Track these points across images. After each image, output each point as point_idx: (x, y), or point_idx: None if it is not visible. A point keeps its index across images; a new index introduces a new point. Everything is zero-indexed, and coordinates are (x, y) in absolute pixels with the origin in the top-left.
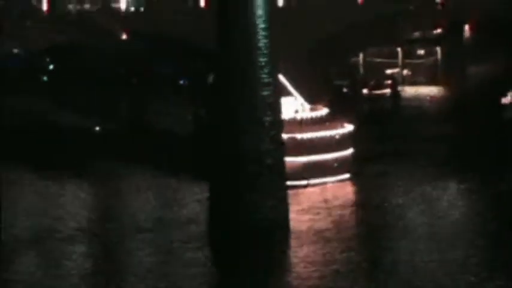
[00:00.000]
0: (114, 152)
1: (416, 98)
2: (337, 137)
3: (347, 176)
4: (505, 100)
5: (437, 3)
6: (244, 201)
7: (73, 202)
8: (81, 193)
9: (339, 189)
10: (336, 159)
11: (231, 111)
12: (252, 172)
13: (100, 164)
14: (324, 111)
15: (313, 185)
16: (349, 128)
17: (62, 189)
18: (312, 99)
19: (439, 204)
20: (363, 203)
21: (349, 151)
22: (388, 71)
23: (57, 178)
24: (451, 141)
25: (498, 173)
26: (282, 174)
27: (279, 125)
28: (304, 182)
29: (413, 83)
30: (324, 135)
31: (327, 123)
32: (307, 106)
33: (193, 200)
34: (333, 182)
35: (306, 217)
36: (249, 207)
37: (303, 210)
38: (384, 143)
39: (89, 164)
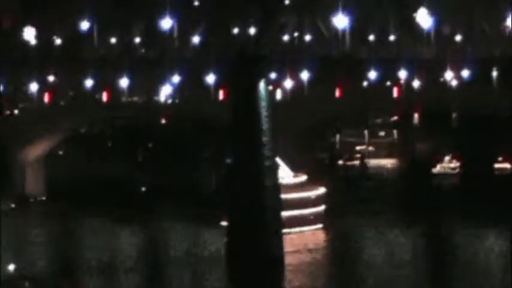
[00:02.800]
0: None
1: (379, 168)
2: (313, 197)
3: (320, 226)
4: (434, 170)
5: (394, 97)
6: (258, 241)
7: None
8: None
9: (313, 236)
10: (312, 214)
11: (245, 177)
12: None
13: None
14: (303, 177)
15: (295, 233)
16: (322, 190)
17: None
18: (297, 168)
19: (390, 245)
20: (333, 246)
21: (322, 207)
22: (358, 148)
23: None
24: (400, 200)
25: (437, 224)
26: (280, 222)
27: (277, 187)
28: (287, 230)
29: (377, 156)
30: (302, 195)
31: (305, 187)
32: (291, 173)
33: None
34: (309, 231)
35: (293, 255)
36: (264, 245)
37: (289, 250)
38: (351, 202)
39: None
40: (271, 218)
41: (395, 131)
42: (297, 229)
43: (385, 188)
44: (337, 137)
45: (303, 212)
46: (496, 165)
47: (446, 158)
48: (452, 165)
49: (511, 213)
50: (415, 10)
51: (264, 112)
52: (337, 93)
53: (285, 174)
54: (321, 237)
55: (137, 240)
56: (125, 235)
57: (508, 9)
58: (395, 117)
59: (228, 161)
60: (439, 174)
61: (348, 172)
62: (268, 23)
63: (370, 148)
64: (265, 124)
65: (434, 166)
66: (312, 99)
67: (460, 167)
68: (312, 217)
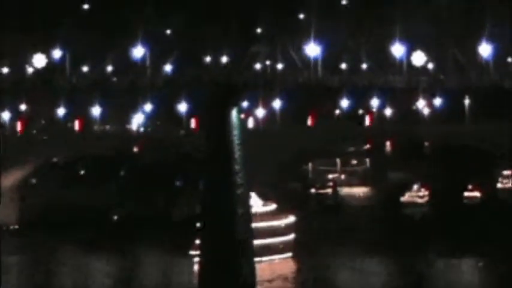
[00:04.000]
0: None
1: (351, 196)
2: (282, 225)
3: (290, 255)
4: (403, 198)
5: (365, 125)
6: (230, 269)
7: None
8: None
9: (283, 265)
10: (281, 242)
11: (217, 205)
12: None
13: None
14: (272, 206)
15: (264, 262)
16: (291, 218)
17: None
18: (266, 197)
19: (360, 273)
20: (304, 275)
21: (292, 236)
22: (330, 176)
23: None
24: (370, 229)
25: (405, 251)
26: (252, 250)
27: (249, 215)
28: (257, 259)
29: (349, 185)
30: (272, 224)
31: (275, 215)
32: (260, 202)
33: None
34: (279, 260)
35: (264, 284)
36: (236, 274)
37: (260, 279)
38: (322, 230)
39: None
40: (243, 246)
41: (367, 160)
42: (267, 258)
43: (355, 218)
44: (310, 165)
45: (273, 241)
46: (466, 194)
47: (415, 187)
48: (420, 193)
49: (482, 242)
50: (388, 39)
51: (236, 140)
52: (309, 122)
53: (254, 203)
54: (291, 266)
55: (107, 270)
56: (94, 264)
57: (481, 38)
58: (368, 146)
59: (201, 189)
60: (407, 203)
61: (320, 201)
62: (240, 52)
63: (343, 176)
64: (237, 152)
65: (403, 195)
66: (284, 128)
67: (429, 195)
68: (281, 246)
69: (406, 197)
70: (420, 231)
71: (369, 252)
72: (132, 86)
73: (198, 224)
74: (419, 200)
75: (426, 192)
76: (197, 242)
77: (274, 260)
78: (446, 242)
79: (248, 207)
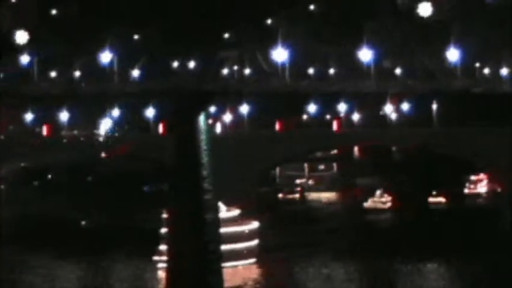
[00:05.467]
0: None
1: (318, 202)
2: (246, 231)
3: (253, 260)
4: (366, 204)
5: (334, 131)
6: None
7: None
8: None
9: (247, 270)
10: (245, 248)
11: (185, 211)
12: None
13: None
14: (236, 211)
15: (228, 268)
16: (255, 224)
17: None
18: (231, 202)
19: (322, 275)
20: (269, 280)
21: (256, 242)
22: (298, 181)
23: None
24: (335, 234)
25: (368, 257)
26: (220, 256)
27: (217, 221)
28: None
29: (317, 190)
30: (235, 230)
31: (239, 221)
32: (224, 207)
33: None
34: (242, 266)
35: None
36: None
37: (229, 285)
38: (288, 235)
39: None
40: (211, 252)
41: (335, 165)
42: (231, 264)
43: (321, 223)
44: (277, 170)
45: (236, 247)
46: (431, 200)
47: (378, 193)
48: (383, 199)
49: (446, 247)
50: (356, 44)
51: (204, 146)
52: (277, 127)
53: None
54: (255, 272)
55: (75, 277)
56: (62, 272)
57: (448, 43)
58: (335, 151)
59: (169, 194)
60: (370, 209)
61: (287, 206)
62: (208, 58)
63: (310, 182)
64: (205, 158)
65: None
66: (251, 134)
67: (392, 201)
68: (245, 252)
69: (369, 203)
70: (381, 237)
71: (333, 257)
72: (100, 91)
73: (163, 230)
74: (382, 206)
75: (389, 198)
76: (161, 248)
77: (238, 266)
78: (405, 249)
79: (216, 212)
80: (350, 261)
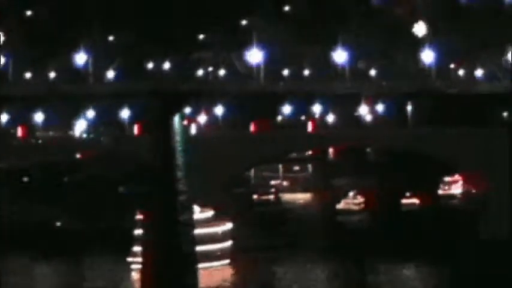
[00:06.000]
0: None
1: (292, 203)
2: (219, 232)
3: (227, 262)
4: (338, 206)
5: (309, 132)
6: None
7: None
8: None
9: (221, 272)
10: (219, 249)
11: (160, 213)
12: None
13: None
14: (210, 213)
15: (202, 268)
16: (229, 225)
17: None
18: (205, 203)
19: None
20: (240, 281)
21: (229, 243)
22: (272, 182)
23: None
24: (309, 236)
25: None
26: (195, 257)
27: (192, 222)
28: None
29: (291, 191)
30: (209, 231)
31: (212, 222)
32: (198, 208)
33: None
34: (216, 267)
35: None
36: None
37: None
38: (261, 237)
39: None
40: (186, 253)
41: (310, 166)
42: (204, 265)
43: (295, 225)
44: (252, 171)
45: (210, 248)
46: (404, 201)
47: (351, 194)
48: (356, 201)
49: (419, 249)
50: (331, 46)
51: (179, 147)
52: (252, 128)
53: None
54: (229, 273)
55: (46, 278)
56: (34, 274)
57: (422, 44)
58: (310, 152)
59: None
60: (343, 211)
61: (262, 207)
62: (183, 59)
63: (285, 183)
64: (180, 158)
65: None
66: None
67: (365, 203)
68: (218, 253)
69: (341, 205)
70: (352, 239)
71: (308, 258)
72: (75, 92)
73: (137, 232)
74: (355, 208)
75: (362, 200)
76: (135, 249)
77: (211, 267)
78: (378, 250)
79: (191, 214)
80: (321, 262)
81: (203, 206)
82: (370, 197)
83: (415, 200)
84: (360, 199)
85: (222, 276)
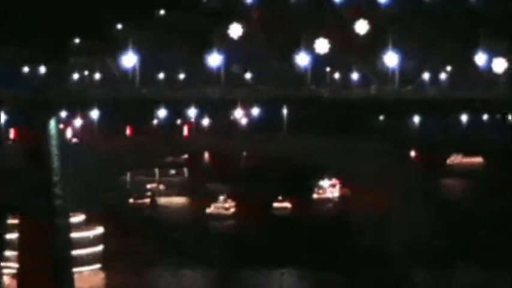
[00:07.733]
0: None
1: (168, 207)
2: (90, 237)
3: (98, 266)
4: (208, 210)
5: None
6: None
7: None
8: None
9: (93, 276)
10: (89, 254)
11: (35, 217)
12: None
13: None
14: (81, 217)
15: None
16: (100, 230)
17: None
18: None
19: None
20: (111, 286)
21: (100, 247)
22: (149, 186)
23: None
24: (183, 240)
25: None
26: (71, 262)
27: (69, 226)
28: None
29: (168, 194)
30: (79, 235)
31: (83, 227)
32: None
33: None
34: (87, 271)
35: None
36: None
37: None
38: (133, 242)
39: None
40: (62, 258)
41: (185, 170)
42: (75, 270)
43: (170, 228)
44: (128, 175)
45: (81, 253)
46: (276, 205)
47: (221, 198)
48: (226, 205)
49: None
50: (205, 49)
51: (54, 151)
52: (128, 132)
53: None
54: (101, 277)
55: None
56: None
57: (299, 48)
58: (186, 156)
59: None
60: (213, 215)
61: (137, 211)
62: (57, 63)
63: (161, 186)
64: (55, 163)
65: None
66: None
67: (235, 207)
68: (89, 257)
69: (212, 209)
70: (221, 244)
71: (181, 263)
72: None
73: (10, 236)
74: (225, 212)
75: (232, 204)
76: (7, 253)
77: (82, 271)
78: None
79: (67, 218)
80: (190, 269)
81: (75, 210)
82: (242, 201)
83: (287, 204)
84: (231, 203)
85: (93, 280)
